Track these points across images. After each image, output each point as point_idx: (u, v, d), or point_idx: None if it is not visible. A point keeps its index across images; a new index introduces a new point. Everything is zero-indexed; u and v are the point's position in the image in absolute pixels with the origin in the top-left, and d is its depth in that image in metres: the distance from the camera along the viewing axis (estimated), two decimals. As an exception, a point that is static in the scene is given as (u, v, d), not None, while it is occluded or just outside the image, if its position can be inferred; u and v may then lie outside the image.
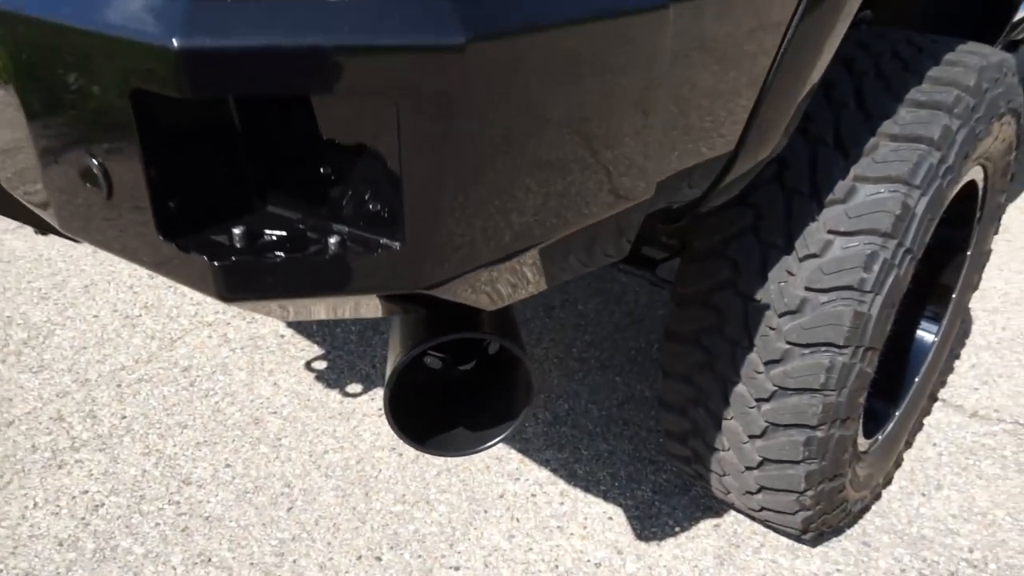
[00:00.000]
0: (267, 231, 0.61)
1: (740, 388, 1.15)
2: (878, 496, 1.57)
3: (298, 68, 0.51)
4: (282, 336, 2.01)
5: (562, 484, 1.58)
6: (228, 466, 1.60)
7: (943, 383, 1.92)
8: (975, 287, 1.67)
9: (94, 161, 0.59)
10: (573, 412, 1.80)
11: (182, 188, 0.60)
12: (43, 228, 0.88)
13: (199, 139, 0.60)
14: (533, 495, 1.56)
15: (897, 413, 1.54)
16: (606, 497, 1.56)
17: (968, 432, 1.78)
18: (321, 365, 1.92)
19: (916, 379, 1.58)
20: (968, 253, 1.56)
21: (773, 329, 1.10)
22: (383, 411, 1.06)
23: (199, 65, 0.49)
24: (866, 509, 1.54)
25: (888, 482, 1.60)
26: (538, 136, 0.61)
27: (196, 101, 0.57)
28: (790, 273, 1.08)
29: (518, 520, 1.50)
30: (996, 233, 1.62)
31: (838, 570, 1.41)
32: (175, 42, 0.48)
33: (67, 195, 0.64)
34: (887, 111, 1.11)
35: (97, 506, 1.50)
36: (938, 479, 1.63)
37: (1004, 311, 2.25)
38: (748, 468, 1.20)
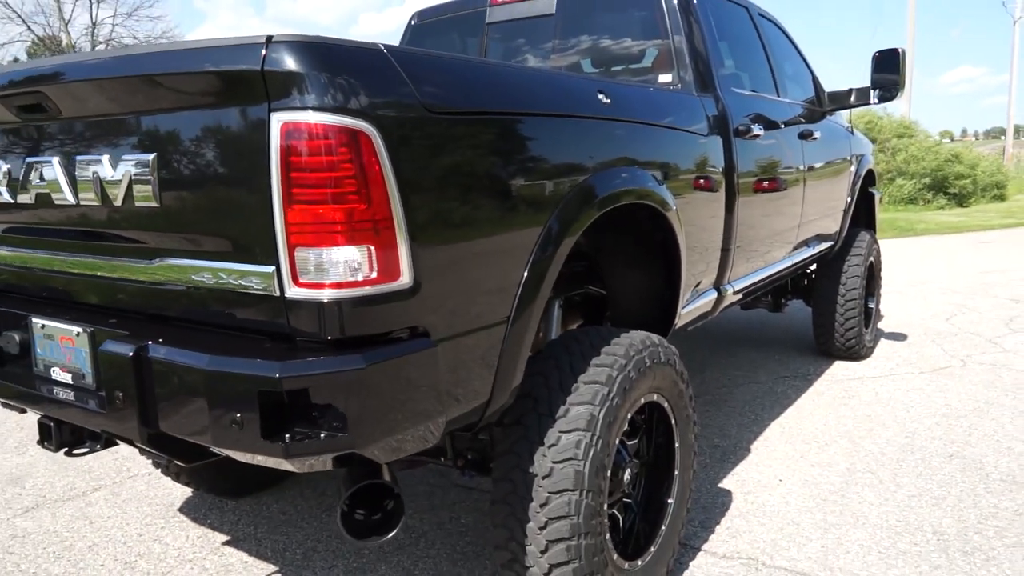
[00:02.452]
0: (298, 431, 1.65)
1: (530, 522, 2.15)
2: (652, 605, 2.51)
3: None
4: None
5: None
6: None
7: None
8: (692, 472, 2.76)
9: (236, 415, 1.63)
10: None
11: (273, 424, 1.64)
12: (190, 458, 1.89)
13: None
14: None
15: (652, 549, 2.53)
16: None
17: (711, 568, 2.77)
18: None
19: (663, 527, 2.60)
20: (676, 445, 2.66)
21: (540, 486, 2.14)
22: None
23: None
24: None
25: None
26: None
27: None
28: (542, 456, 2.15)
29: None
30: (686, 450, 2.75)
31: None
32: (278, 375, 1.57)
33: (222, 429, 1.67)
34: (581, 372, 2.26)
35: None
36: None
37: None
38: (539, 555, 2.15)
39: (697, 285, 3.08)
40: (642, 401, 2.43)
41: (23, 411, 2.33)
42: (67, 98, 1.91)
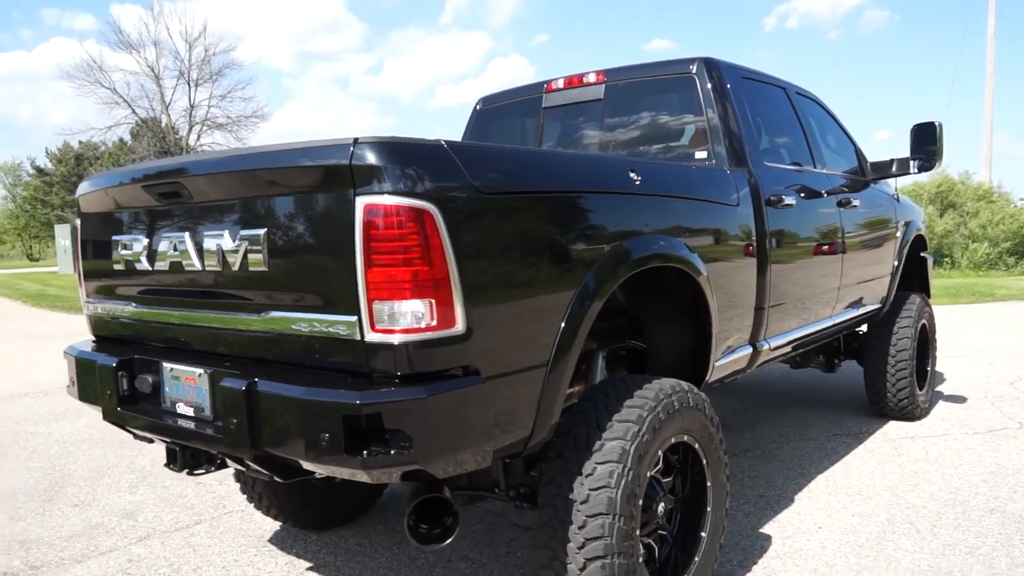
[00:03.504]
0: (373, 448, 2.03)
1: (569, 543, 2.47)
2: (685, 628, 2.78)
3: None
4: None
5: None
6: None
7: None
8: (725, 510, 3.03)
9: (326, 435, 2.04)
10: None
11: (354, 443, 2.04)
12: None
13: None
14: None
15: (686, 576, 2.81)
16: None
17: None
18: None
19: (697, 558, 2.87)
20: (708, 484, 2.95)
21: (578, 511, 2.47)
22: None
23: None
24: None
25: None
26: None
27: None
28: (580, 484, 2.48)
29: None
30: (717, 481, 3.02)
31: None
32: (358, 402, 1.98)
33: (314, 447, 2.07)
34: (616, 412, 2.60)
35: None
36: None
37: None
38: (578, 572, 2.45)
39: (730, 341, 3.39)
40: (672, 440, 2.75)
41: (151, 441, 2.80)
42: (199, 186, 2.42)
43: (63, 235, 31.23)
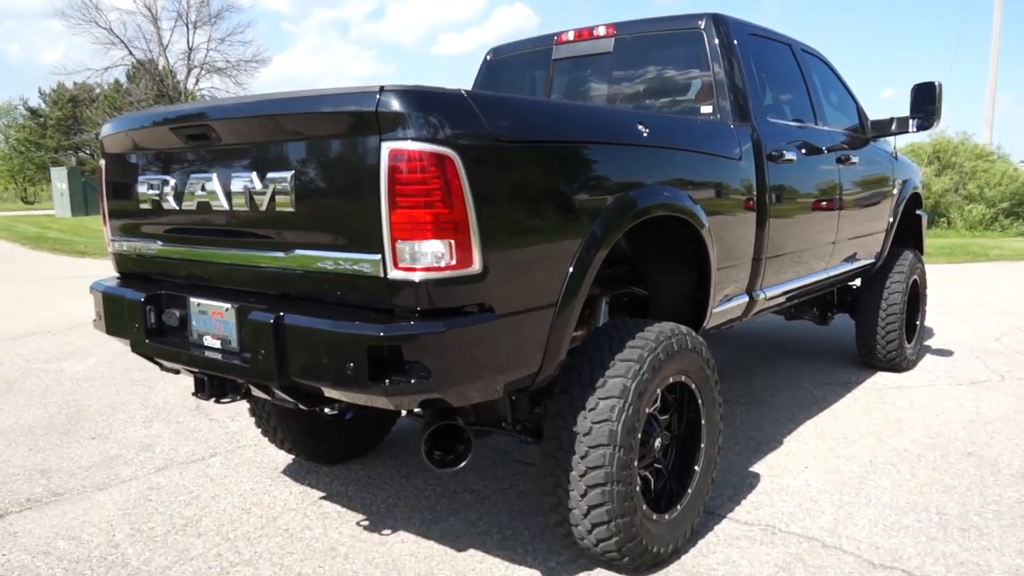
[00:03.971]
0: (394, 377, 2.19)
1: (572, 471, 2.65)
2: (677, 552, 2.98)
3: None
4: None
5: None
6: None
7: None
8: (718, 447, 3.21)
9: (351, 364, 2.19)
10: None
11: (376, 371, 2.19)
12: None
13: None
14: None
15: (679, 507, 3.00)
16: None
17: (732, 531, 3.22)
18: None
19: (690, 489, 3.06)
20: (703, 422, 3.12)
21: (581, 442, 2.64)
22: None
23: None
24: (675, 555, 2.95)
25: (681, 546, 3.01)
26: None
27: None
28: (584, 418, 2.65)
29: None
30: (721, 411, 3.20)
31: (651, 583, 2.79)
32: (382, 334, 2.12)
33: (339, 375, 2.23)
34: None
35: None
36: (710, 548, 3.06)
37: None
38: (580, 498, 2.64)
39: (728, 289, 3.54)
40: (671, 380, 2.91)
41: (177, 372, 2.95)
42: (227, 129, 2.53)
43: (60, 178, 31.03)
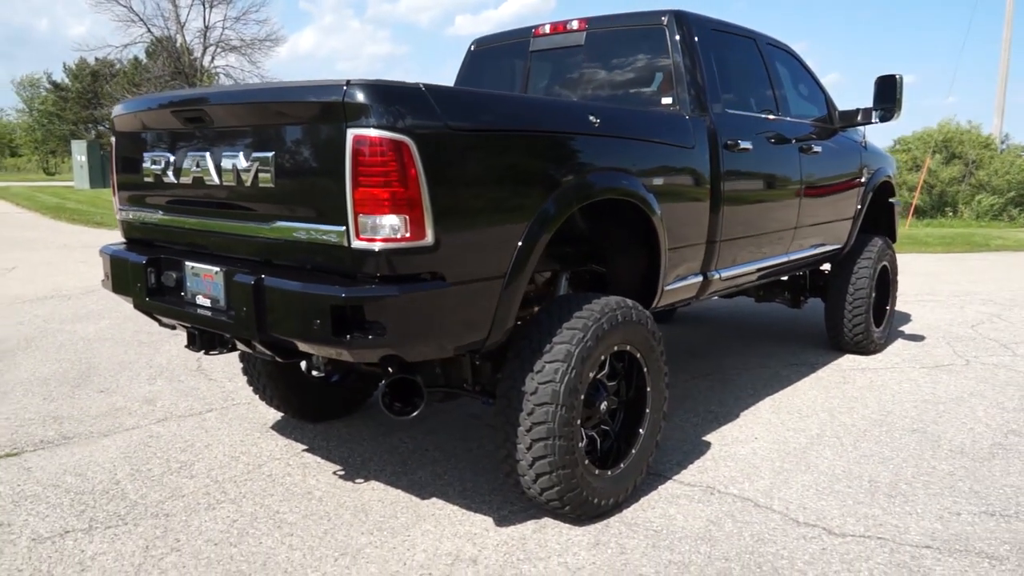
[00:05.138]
0: (355, 333, 2.52)
1: (519, 426, 2.97)
2: (619, 506, 3.30)
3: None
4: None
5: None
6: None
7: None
8: (662, 413, 3.52)
9: (317, 321, 2.52)
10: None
11: (339, 328, 2.52)
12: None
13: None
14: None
15: (623, 465, 3.32)
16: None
17: (674, 490, 3.54)
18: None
19: (634, 450, 3.38)
20: (648, 389, 3.43)
21: (528, 400, 2.96)
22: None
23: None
24: (617, 508, 3.27)
25: (623, 500, 3.33)
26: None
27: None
28: (531, 379, 2.96)
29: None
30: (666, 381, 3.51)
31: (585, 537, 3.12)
32: (343, 295, 2.45)
33: (308, 330, 2.56)
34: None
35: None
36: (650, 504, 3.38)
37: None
38: (526, 451, 2.96)
39: (679, 269, 3.83)
40: (616, 348, 3.22)
41: (174, 328, 3.30)
42: (218, 113, 2.85)
43: (80, 151, 31.53)
